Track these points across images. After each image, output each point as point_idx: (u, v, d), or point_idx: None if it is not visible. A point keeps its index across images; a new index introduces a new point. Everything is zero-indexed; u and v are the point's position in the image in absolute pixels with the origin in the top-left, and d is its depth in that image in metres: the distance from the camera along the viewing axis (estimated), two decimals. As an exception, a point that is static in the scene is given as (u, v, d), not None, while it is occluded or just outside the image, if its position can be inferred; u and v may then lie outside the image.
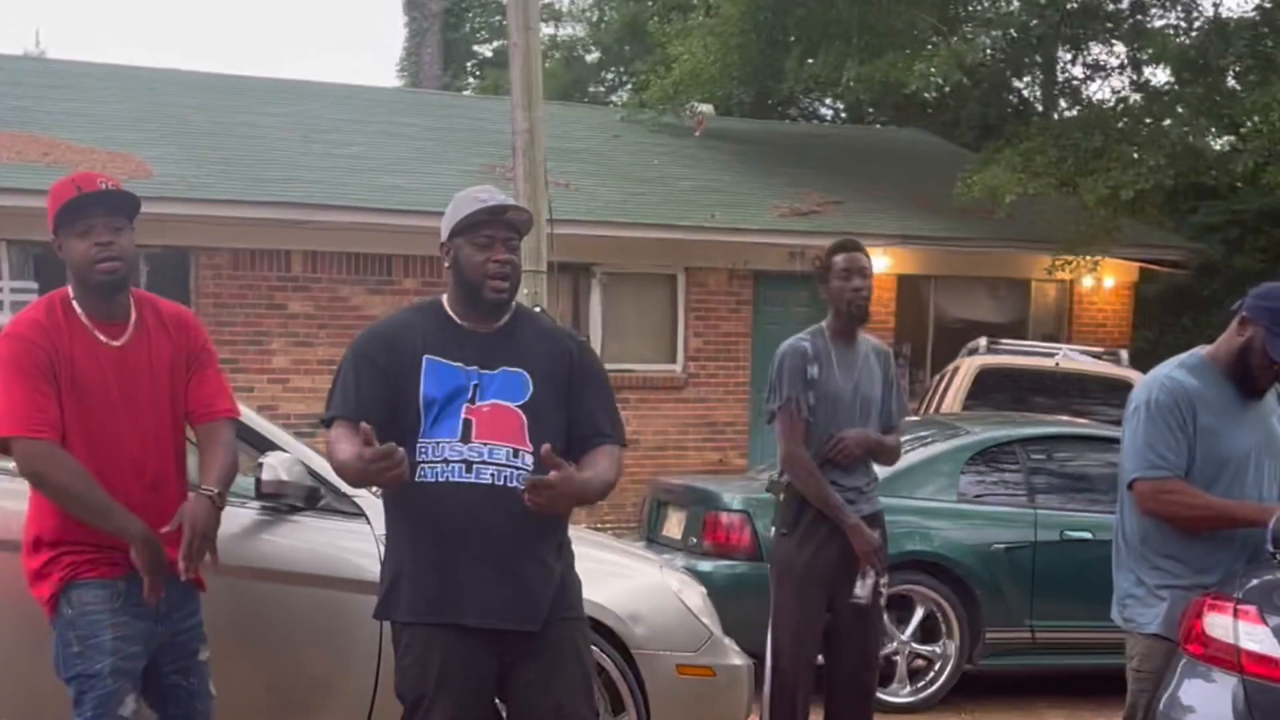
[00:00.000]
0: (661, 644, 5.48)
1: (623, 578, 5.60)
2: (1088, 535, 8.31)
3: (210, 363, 4.49)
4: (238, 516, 4.89)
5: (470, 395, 4.12)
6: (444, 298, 4.31)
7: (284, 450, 5.05)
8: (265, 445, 5.09)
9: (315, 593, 4.98)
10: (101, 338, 4.24)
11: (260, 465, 4.94)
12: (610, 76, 31.57)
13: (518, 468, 4.08)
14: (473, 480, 4.06)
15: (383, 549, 4.56)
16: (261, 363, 14.17)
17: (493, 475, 4.07)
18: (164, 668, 4.32)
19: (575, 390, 4.28)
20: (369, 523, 5.01)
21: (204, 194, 13.85)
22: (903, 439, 9.11)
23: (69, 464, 4.09)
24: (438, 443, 4.08)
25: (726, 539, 8.17)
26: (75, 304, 4.26)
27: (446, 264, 4.25)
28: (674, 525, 8.80)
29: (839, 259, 5.86)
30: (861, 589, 5.66)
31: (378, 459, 3.78)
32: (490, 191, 4.29)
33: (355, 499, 5.06)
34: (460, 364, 4.14)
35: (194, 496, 4.23)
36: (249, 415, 5.17)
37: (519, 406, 4.15)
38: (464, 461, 4.06)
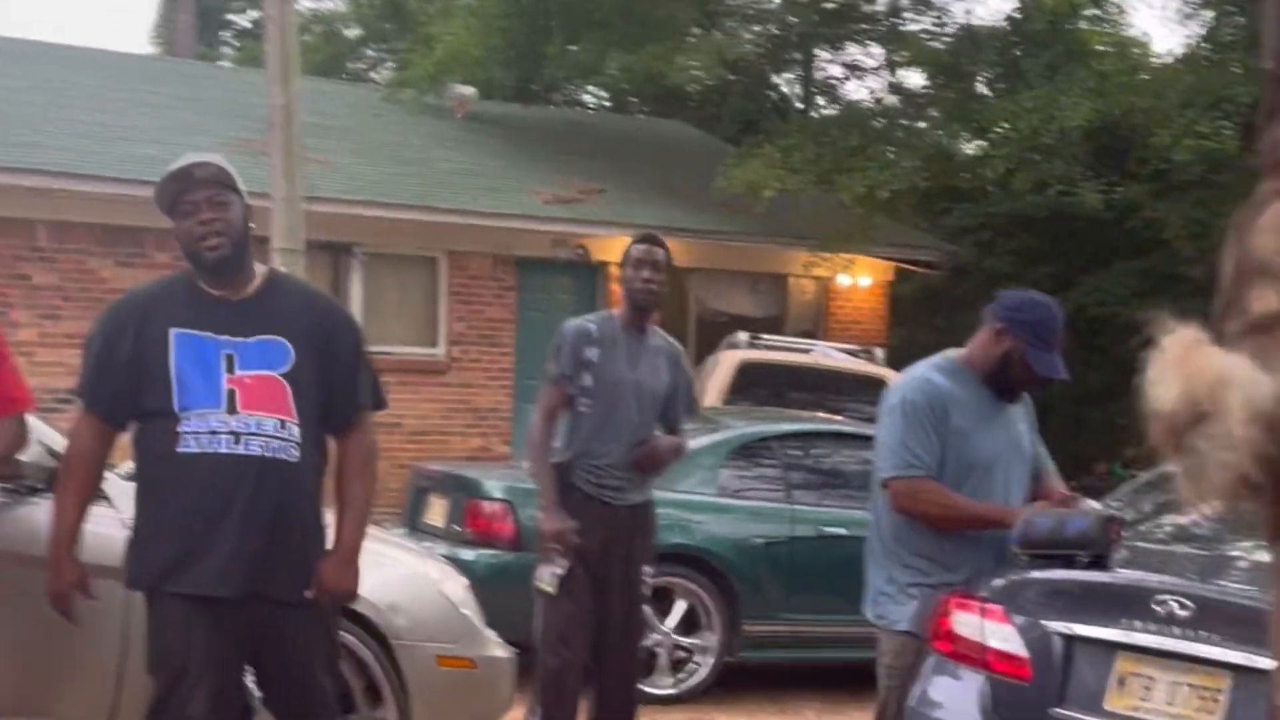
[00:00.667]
0: (421, 635, 5.37)
1: (382, 567, 5.44)
2: (843, 531, 8.42)
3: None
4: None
5: (227, 365, 4.11)
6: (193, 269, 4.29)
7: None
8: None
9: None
10: None
11: None
12: (371, 54, 31.10)
13: (284, 439, 4.10)
14: (242, 452, 4.06)
15: (127, 532, 4.45)
16: (5, 335, 13.56)
17: (261, 447, 4.08)
18: None
19: (330, 361, 4.27)
20: (112, 505, 4.79)
21: (-60, 158, 13.20)
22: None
23: None
24: (202, 414, 4.07)
25: (489, 527, 8.07)
26: None
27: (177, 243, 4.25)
28: (436, 513, 8.67)
29: (635, 249, 5.87)
30: (545, 576, 5.65)
31: (62, 599, 4.13)
32: (185, 158, 4.25)
33: (101, 482, 4.84)
34: (211, 333, 4.13)
35: None
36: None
37: (282, 375, 4.15)
38: (232, 433, 4.07)
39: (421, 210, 15.51)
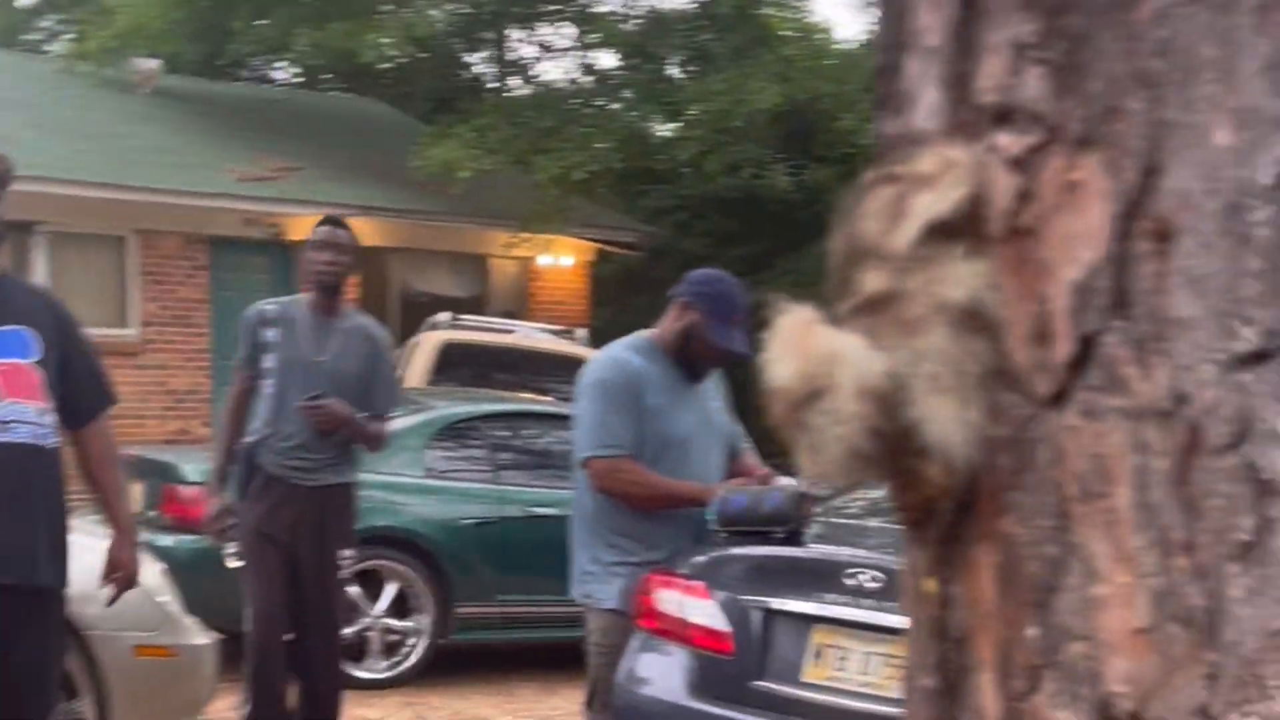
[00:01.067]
0: (118, 624, 5.21)
1: (75, 555, 5.28)
2: (552, 511, 8.46)
3: None
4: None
5: None
6: None
7: None
8: None
9: None
10: None
11: None
12: (46, 24, 29.79)
13: (43, 425, 4.14)
14: (9, 439, 4.07)
15: None
16: None
17: (28, 433, 4.10)
18: None
19: (69, 353, 4.32)
20: None
21: None
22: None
23: None
24: None
25: (187, 512, 7.86)
26: None
27: None
28: (132, 498, 8.38)
29: (317, 231, 5.90)
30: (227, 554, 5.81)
31: None
32: None
33: None
34: None
35: None
36: None
37: (35, 363, 4.18)
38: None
39: (109, 189, 15.00)
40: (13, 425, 4.08)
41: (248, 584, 5.66)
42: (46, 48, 27.72)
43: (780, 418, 1.22)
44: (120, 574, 4.50)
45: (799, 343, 1.20)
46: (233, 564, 5.70)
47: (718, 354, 4.76)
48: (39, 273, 14.53)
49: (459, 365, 12.69)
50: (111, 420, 4.54)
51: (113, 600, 4.59)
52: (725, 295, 4.77)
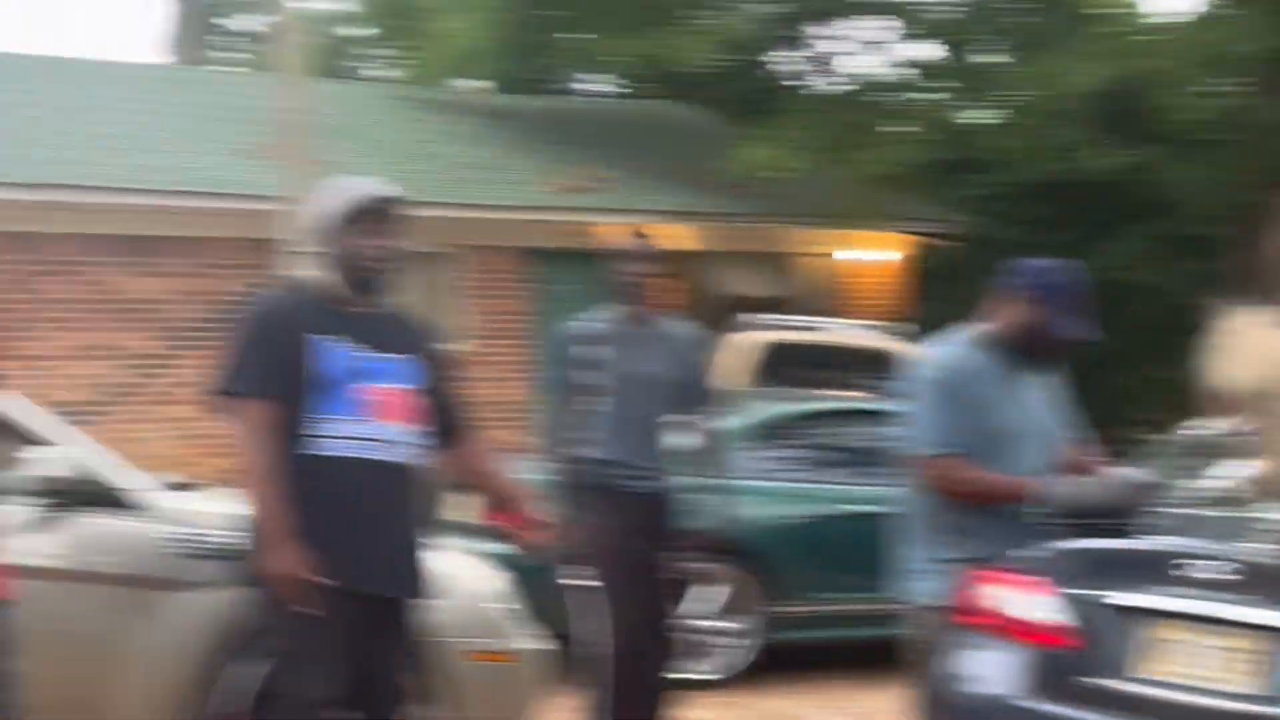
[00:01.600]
0: (459, 630, 5.39)
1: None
2: (872, 509, 8.40)
3: None
4: (11, 514, 4.72)
5: (363, 376, 4.38)
6: (323, 280, 4.50)
7: (58, 444, 4.84)
8: (38, 440, 4.88)
9: (94, 590, 4.84)
10: None
11: (33, 461, 4.72)
12: (382, 53, 31.03)
13: (410, 444, 4.43)
14: (378, 457, 4.35)
15: (162, 542, 4.88)
16: (24, 350, 13.63)
17: (388, 452, 4.38)
18: None
19: (440, 376, 4.62)
20: (148, 517, 4.86)
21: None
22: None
23: None
24: (337, 420, 4.34)
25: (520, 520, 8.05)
26: None
27: (335, 252, 4.44)
28: (470, 507, 8.63)
29: (624, 243, 5.97)
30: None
31: (302, 599, 4.17)
32: (377, 184, 4.60)
33: (133, 493, 4.92)
34: (349, 344, 4.39)
35: None
36: (23, 408, 4.99)
37: (412, 389, 4.46)
38: (362, 439, 4.34)
39: (438, 208, 15.48)
40: (397, 446, 4.39)
41: (609, 599, 5.77)
42: (378, 75, 28.88)
43: (1226, 411, 1.19)
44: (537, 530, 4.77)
45: (1253, 345, 1.17)
46: (567, 582, 5.77)
47: (1064, 345, 4.72)
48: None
49: (778, 365, 12.68)
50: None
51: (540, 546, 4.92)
52: (1066, 285, 4.73)
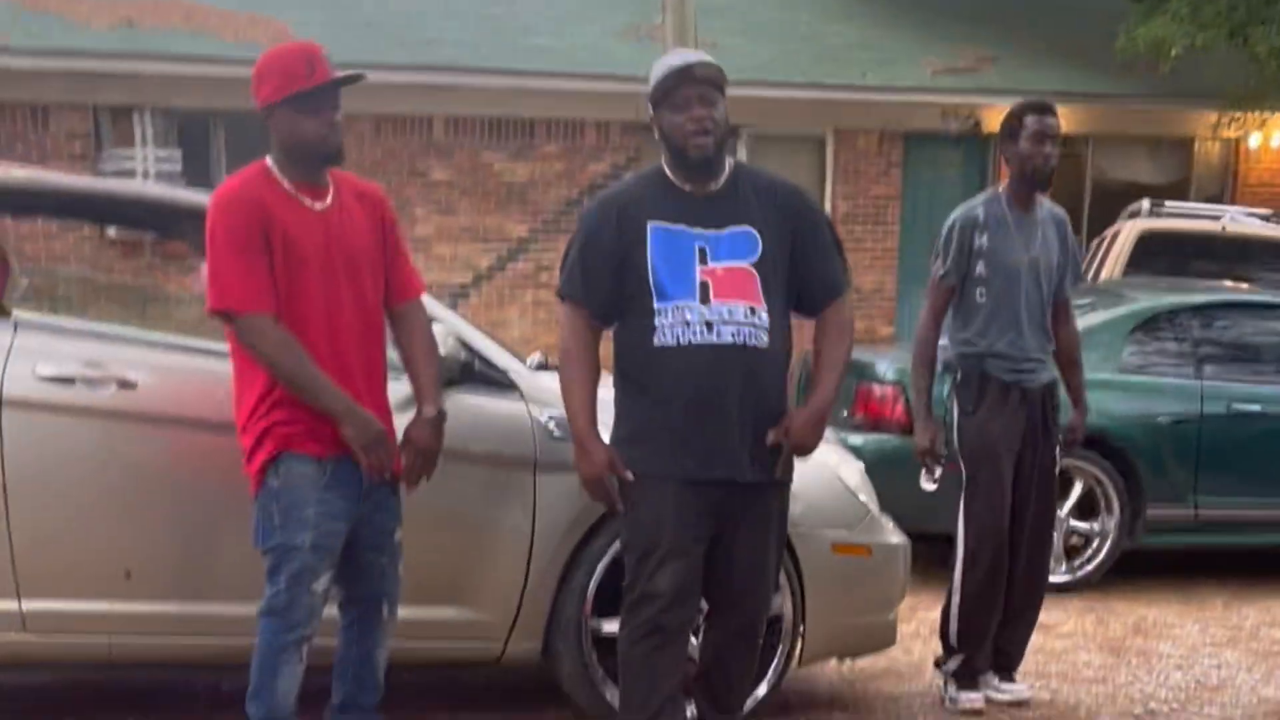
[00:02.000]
0: (817, 521, 5.32)
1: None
2: (1257, 408, 7.99)
3: (399, 238, 4.56)
4: (393, 392, 4.84)
5: (700, 257, 4.27)
6: (664, 164, 4.41)
7: (437, 322, 4.94)
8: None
9: (469, 470, 4.90)
10: (307, 201, 4.26)
11: None
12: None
13: (755, 325, 4.27)
14: (714, 340, 4.23)
15: (534, 422, 4.90)
16: (404, 231, 14.14)
17: (733, 334, 4.24)
18: (361, 545, 4.34)
19: (801, 245, 4.42)
20: (523, 398, 4.96)
21: (346, 58, 13.64)
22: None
23: (279, 338, 4.13)
24: (677, 306, 4.24)
25: (880, 412, 7.97)
26: (277, 171, 4.26)
27: (656, 135, 4.36)
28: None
29: (1030, 120, 5.59)
30: (926, 485, 5.73)
31: (609, 498, 4.30)
32: (681, 54, 4.44)
33: (510, 373, 5.01)
34: (685, 226, 4.29)
35: (418, 420, 4.39)
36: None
37: (752, 265, 4.31)
38: (705, 323, 4.23)
39: (810, 88, 15.34)
40: (719, 326, 4.23)
41: (976, 499, 5.63)
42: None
43: None
44: (787, 437, 4.39)
45: None
46: (929, 487, 5.66)
47: None
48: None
49: (1158, 255, 12.14)
50: (849, 307, 4.57)
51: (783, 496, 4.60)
52: None
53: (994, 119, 15.88)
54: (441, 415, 4.41)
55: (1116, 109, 16.46)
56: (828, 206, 15.66)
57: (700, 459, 4.25)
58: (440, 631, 5.01)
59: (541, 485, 4.91)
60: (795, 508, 5.15)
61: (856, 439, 7.75)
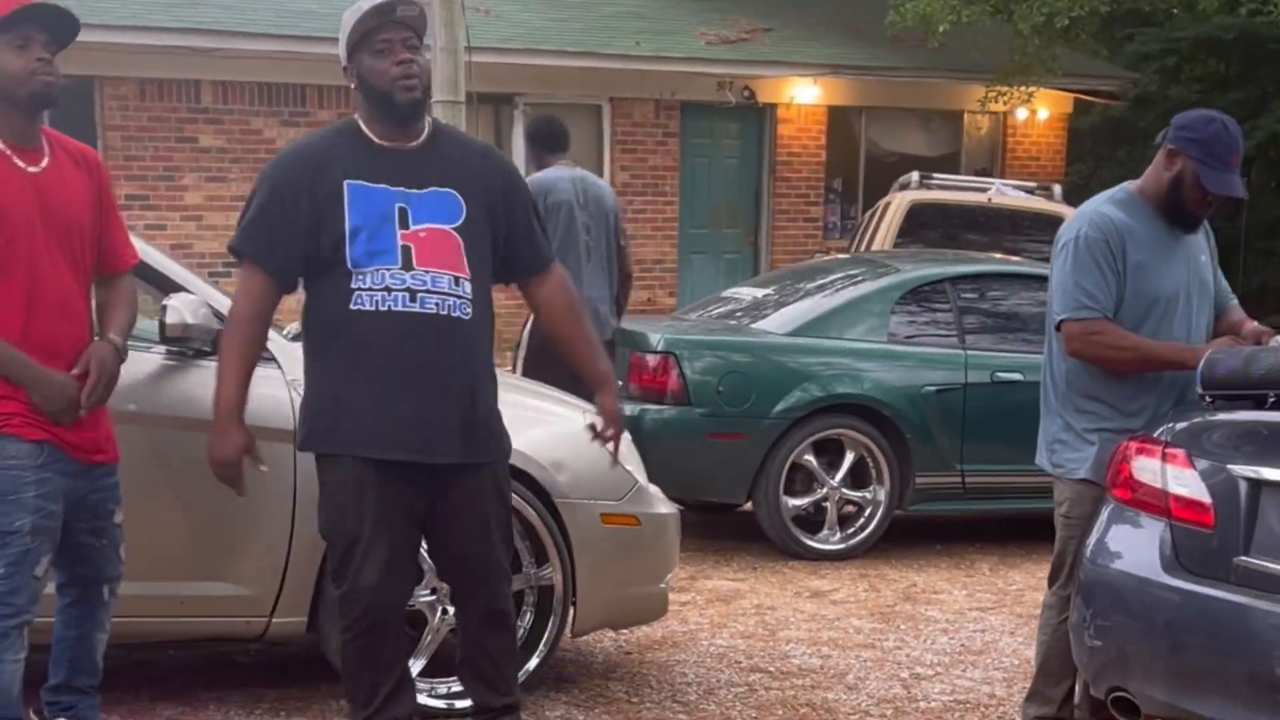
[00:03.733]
0: (585, 492, 5.25)
1: (545, 424, 5.37)
2: (1019, 377, 8.15)
3: (115, 206, 4.27)
4: (143, 361, 4.70)
5: (401, 218, 4.02)
6: (358, 118, 4.15)
7: (189, 292, 4.76)
8: (170, 287, 4.83)
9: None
10: (19, 163, 3.93)
11: (165, 308, 4.68)
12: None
13: (460, 296, 4.03)
14: (418, 309, 3.99)
15: (294, 394, 4.61)
16: (173, 199, 13.78)
17: (437, 304, 4.01)
18: (76, 526, 4.11)
19: (506, 211, 4.20)
20: (279, 367, 4.79)
21: (107, 19, 13.24)
22: (832, 277, 9.01)
23: None
24: (377, 270, 3.98)
25: (653, 381, 7.95)
26: None
27: (353, 85, 4.13)
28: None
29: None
30: None
31: (237, 484, 4.10)
32: None
33: (265, 344, 4.82)
34: (385, 185, 4.03)
35: (99, 342, 4.08)
36: (153, 255, 4.95)
37: (454, 229, 4.08)
38: (407, 290, 3.99)
39: (585, 57, 15.29)
40: (422, 295, 3.99)
41: None
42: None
43: None
44: (613, 428, 4.36)
45: None
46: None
47: (1212, 201, 4.45)
48: (517, 144, 15.02)
49: (928, 226, 12.39)
50: (566, 277, 4.43)
51: (615, 456, 4.49)
52: (1219, 137, 4.41)
53: (768, 90, 16.07)
54: (123, 348, 4.12)
55: (887, 81, 16.76)
56: (606, 176, 15.65)
57: (400, 437, 4.01)
58: (204, 608, 4.89)
59: (301, 459, 4.72)
60: (562, 478, 5.16)
61: (631, 409, 7.71)
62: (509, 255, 4.24)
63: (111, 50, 13.11)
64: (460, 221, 4.09)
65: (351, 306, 3.97)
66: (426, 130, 4.16)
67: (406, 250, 4.00)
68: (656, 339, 8.08)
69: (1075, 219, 4.60)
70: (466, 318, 4.05)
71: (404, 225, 4.02)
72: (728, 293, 9.69)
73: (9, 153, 3.92)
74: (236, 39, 13.72)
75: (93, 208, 4.11)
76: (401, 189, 4.04)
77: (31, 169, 3.95)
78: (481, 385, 4.14)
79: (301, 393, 4.35)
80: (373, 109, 4.09)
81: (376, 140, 4.09)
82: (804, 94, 16.46)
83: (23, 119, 3.96)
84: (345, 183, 4.01)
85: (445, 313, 4.01)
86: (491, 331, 4.25)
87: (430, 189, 4.08)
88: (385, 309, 3.97)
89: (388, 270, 3.98)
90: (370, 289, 3.97)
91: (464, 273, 4.06)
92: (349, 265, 3.98)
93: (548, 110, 15.24)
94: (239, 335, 4.11)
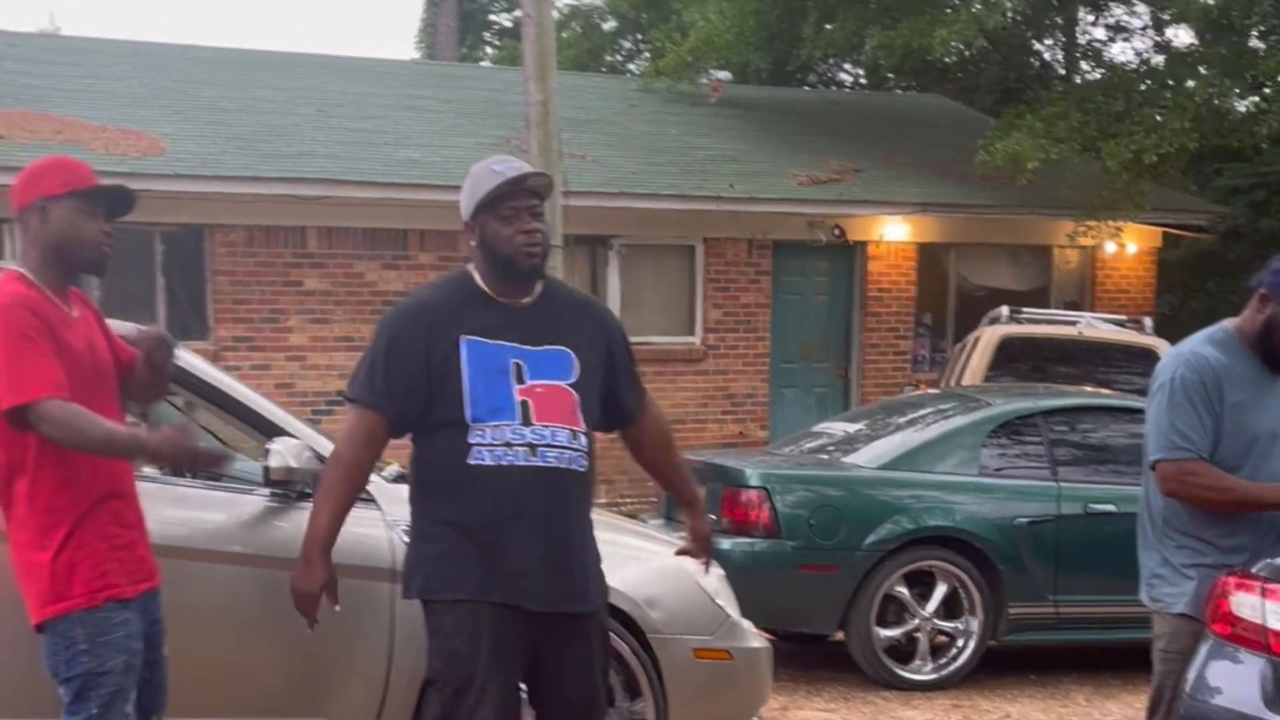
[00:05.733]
0: (678, 628, 5.37)
1: (638, 560, 5.48)
2: (1112, 508, 8.20)
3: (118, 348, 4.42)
4: (247, 504, 4.87)
5: (517, 373, 4.12)
6: (472, 270, 4.27)
7: (292, 436, 4.95)
8: (273, 431, 5.00)
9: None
10: (64, 309, 4.15)
11: (269, 452, 4.85)
12: (627, 45, 31.37)
13: (576, 449, 4.14)
14: (539, 464, 4.08)
15: (394, 534, 4.76)
16: (277, 340, 14.11)
17: (556, 458, 4.10)
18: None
19: (613, 367, 4.33)
20: (379, 508, 4.94)
21: (218, 170, 13.76)
22: (922, 411, 9.12)
23: (81, 410, 3.95)
24: (497, 426, 4.08)
25: (745, 516, 8.07)
26: (34, 277, 4.10)
27: (473, 242, 4.23)
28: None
29: None
30: None
31: (309, 600, 4.17)
32: (505, 161, 4.28)
33: (366, 486, 4.99)
34: (501, 341, 4.14)
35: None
36: (256, 400, 5.15)
37: (570, 385, 4.18)
38: (528, 445, 4.08)
39: (679, 200, 15.58)
40: (542, 450, 4.09)
41: None
42: (626, 68, 29.19)
43: None
44: (704, 551, 4.65)
45: None
46: None
47: None
48: (612, 285, 15.31)
49: (1018, 359, 12.46)
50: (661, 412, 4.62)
51: (706, 568, 4.80)
52: None
53: (858, 228, 16.28)
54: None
55: (977, 219, 16.89)
56: (699, 313, 15.88)
57: (518, 585, 4.09)
58: (299, 744, 4.97)
59: (399, 596, 4.91)
60: (655, 614, 5.26)
61: (724, 543, 7.84)
62: (615, 404, 4.38)
63: (222, 200, 13.57)
64: (574, 378, 4.20)
65: (470, 461, 4.06)
66: (540, 288, 4.27)
67: (525, 406, 4.10)
68: (750, 474, 8.22)
69: (1172, 359, 4.66)
70: (583, 470, 4.17)
71: (520, 380, 4.12)
72: (819, 427, 9.82)
73: (57, 301, 4.12)
74: (343, 187, 14.09)
75: (106, 346, 4.29)
76: (516, 345, 4.14)
77: (74, 313, 4.18)
78: (591, 533, 4.27)
79: (404, 535, 4.45)
80: (492, 268, 4.20)
81: (491, 295, 4.21)
82: (894, 231, 16.65)
83: (69, 277, 4.17)
84: (462, 338, 4.11)
85: (565, 466, 4.12)
86: (595, 480, 4.39)
87: (544, 346, 4.18)
88: (506, 464, 4.07)
89: (508, 426, 4.08)
90: (490, 444, 4.07)
91: (580, 426, 4.17)
92: (468, 420, 4.08)
93: (642, 251, 15.60)
94: (341, 476, 4.20)
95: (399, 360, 4.12)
